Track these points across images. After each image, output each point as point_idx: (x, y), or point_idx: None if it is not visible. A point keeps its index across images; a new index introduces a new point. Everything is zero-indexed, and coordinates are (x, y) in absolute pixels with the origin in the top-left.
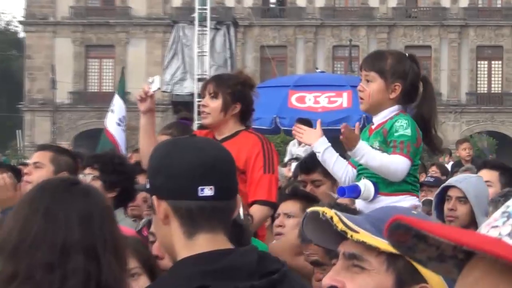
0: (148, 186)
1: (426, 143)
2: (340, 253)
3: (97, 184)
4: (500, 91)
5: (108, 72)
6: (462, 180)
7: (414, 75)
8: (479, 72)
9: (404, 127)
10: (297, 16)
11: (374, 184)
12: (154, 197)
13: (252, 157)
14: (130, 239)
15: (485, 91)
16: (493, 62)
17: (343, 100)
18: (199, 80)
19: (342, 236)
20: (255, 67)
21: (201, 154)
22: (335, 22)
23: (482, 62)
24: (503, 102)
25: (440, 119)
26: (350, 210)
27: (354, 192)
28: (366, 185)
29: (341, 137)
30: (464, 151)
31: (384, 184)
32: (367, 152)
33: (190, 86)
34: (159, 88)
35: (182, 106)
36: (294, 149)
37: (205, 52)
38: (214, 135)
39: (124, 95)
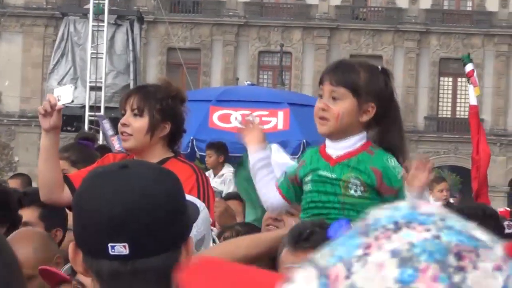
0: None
1: None
2: None
3: None
4: (467, 116)
5: None
6: None
7: (388, 94)
8: (441, 91)
9: (398, 168)
10: (214, 12)
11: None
12: (71, 244)
13: None
14: None
15: (449, 116)
16: (459, 79)
17: (278, 120)
18: (92, 88)
19: None
20: (160, 74)
21: (114, 199)
22: (263, 21)
23: (446, 78)
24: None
25: None
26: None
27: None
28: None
29: (407, 173)
30: (441, 193)
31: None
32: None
33: (81, 96)
34: (72, 101)
35: (71, 121)
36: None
37: (101, 53)
38: None
39: None
